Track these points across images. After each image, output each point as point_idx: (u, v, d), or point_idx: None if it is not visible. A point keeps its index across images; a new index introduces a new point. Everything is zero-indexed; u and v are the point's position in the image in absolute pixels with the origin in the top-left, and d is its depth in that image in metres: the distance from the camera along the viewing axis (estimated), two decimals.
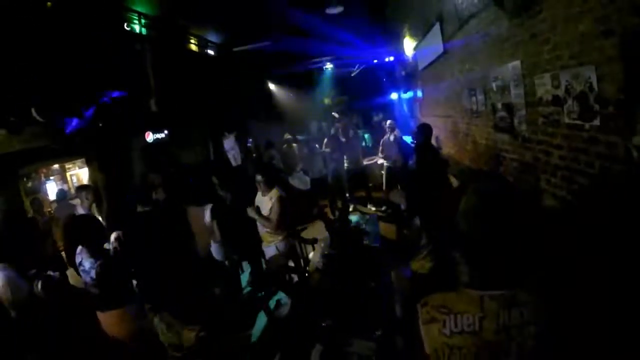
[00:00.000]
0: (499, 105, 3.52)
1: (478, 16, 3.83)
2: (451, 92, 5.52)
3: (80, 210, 4.70)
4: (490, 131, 3.88)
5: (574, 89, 2.18)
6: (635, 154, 1.62)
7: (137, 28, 7.93)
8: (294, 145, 9.00)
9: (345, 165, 7.40)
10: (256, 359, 3.23)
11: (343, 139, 7.44)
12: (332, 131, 7.97)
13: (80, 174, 11.40)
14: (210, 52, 10.73)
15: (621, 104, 1.73)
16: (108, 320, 2.89)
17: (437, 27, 5.54)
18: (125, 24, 7.66)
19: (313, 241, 4.51)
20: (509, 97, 3.24)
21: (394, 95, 12.27)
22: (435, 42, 5.84)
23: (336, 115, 9.95)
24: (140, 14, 7.86)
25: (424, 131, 4.72)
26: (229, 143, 8.27)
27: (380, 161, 8.16)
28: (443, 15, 5.25)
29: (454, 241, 1.13)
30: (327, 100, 14.36)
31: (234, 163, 8.29)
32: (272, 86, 12.37)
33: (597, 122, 1.98)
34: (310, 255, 4.64)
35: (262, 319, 3.56)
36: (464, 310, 1.00)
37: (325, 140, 7.88)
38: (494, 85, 3.60)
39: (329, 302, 2.74)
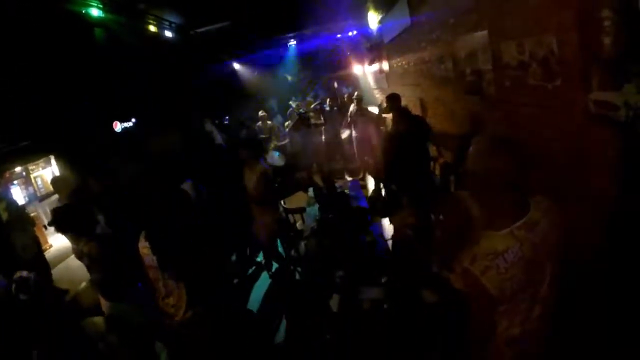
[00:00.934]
0: (468, 71, 3.89)
1: None
2: (419, 62, 5.86)
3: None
4: (460, 95, 4.26)
5: (537, 54, 2.54)
6: (592, 107, 2.00)
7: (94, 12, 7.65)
8: (269, 122, 9.21)
9: (323, 138, 7.72)
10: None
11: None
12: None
13: (44, 175, 11.04)
14: (170, 34, 10.50)
15: (579, 65, 2.10)
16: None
17: (404, 0, 5.81)
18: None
19: (301, 210, 4.82)
20: (477, 63, 3.61)
21: (358, 69, 12.56)
22: (402, 15, 6.12)
23: (312, 99, 10.17)
24: None
25: (394, 100, 5.05)
26: (207, 127, 8.33)
27: (347, 133, 8.57)
28: None
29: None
30: (290, 78, 14.44)
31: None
32: (237, 66, 12.30)
33: (558, 82, 2.36)
34: (298, 224, 4.96)
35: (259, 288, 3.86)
36: (505, 248, 1.32)
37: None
38: (462, 53, 3.96)
39: (331, 260, 3.07)
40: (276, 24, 11.53)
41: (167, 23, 10.03)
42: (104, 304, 3.11)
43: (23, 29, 5.91)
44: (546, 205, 1.45)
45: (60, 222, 2.98)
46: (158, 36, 9.68)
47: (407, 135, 4.11)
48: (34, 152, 7.97)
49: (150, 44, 9.33)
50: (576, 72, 2.14)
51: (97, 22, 7.29)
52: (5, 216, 6.09)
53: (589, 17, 1.92)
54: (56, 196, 9.90)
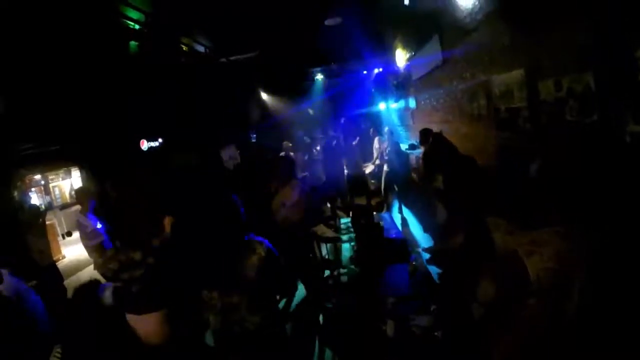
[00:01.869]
0: (503, 108, 4.14)
1: (480, 30, 4.48)
2: (449, 99, 6.17)
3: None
4: (492, 131, 4.50)
5: (575, 91, 2.78)
6: (628, 139, 2.21)
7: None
8: (291, 153, 9.56)
9: (345, 170, 7.98)
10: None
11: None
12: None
13: (62, 185, 11.52)
14: (200, 59, 11.14)
15: (615, 101, 2.33)
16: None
17: (436, 39, 6.20)
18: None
19: (336, 240, 4.99)
20: (513, 100, 3.86)
21: (381, 105, 12.99)
22: (433, 53, 6.50)
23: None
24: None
25: (428, 134, 5.32)
26: (229, 152, 8.68)
27: (370, 169, 8.90)
28: (442, 28, 5.91)
29: None
30: (312, 111, 14.99)
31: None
32: (264, 95, 12.87)
33: (595, 117, 2.58)
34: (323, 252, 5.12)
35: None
36: (549, 240, 1.52)
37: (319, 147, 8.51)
38: (497, 90, 4.23)
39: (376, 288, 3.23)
40: (303, 56, 12.17)
41: (200, 47, 10.70)
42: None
43: (71, 39, 6.40)
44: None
45: None
46: (190, 59, 10.31)
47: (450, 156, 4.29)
48: (61, 160, 8.31)
49: (182, 66, 9.93)
50: (613, 108, 2.36)
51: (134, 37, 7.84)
52: (24, 219, 6.27)
53: (626, 56, 2.17)
54: (73, 208, 10.29)
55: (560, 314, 1.56)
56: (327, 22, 8.97)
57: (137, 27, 7.77)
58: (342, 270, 4.09)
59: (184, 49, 10.31)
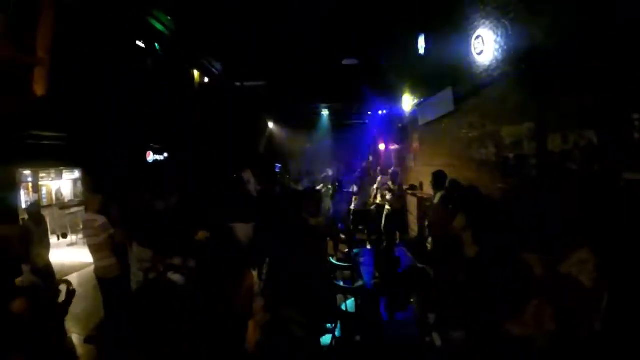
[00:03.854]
0: (511, 156, 4.84)
1: (495, 85, 5.26)
2: (457, 145, 6.90)
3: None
4: (499, 178, 5.17)
5: (579, 144, 3.47)
6: (623, 184, 2.86)
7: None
8: (291, 184, 10.18)
9: (353, 206, 8.62)
10: None
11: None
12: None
13: (51, 185, 11.72)
14: (210, 81, 11.86)
15: (614, 153, 3.01)
16: None
17: (449, 89, 7.01)
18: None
19: (351, 267, 5.49)
20: (522, 149, 4.56)
21: (383, 146, 13.85)
22: (444, 101, 7.30)
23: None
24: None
25: (441, 176, 5.99)
26: (246, 175, 9.10)
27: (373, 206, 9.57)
28: (456, 79, 6.72)
29: None
30: (310, 145, 15.77)
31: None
32: (270, 124, 13.58)
33: (596, 166, 3.25)
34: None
35: None
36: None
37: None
38: (507, 140, 4.94)
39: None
40: (310, 91, 13.05)
41: (212, 71, 11.44)
42: None
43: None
44: None
45: None
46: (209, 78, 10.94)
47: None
48: (60, 157, 8.35)
49: (195, 87, 10.58)
50: (611, 158, 3.04)
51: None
52: (26, 220, 6.41)
53: (623, 117, 2.86)
54: (74, 209, 10.45)
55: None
56: (344, 62, 9.83)
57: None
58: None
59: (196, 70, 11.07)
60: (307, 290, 2.57)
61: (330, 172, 11.44)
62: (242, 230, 4.60)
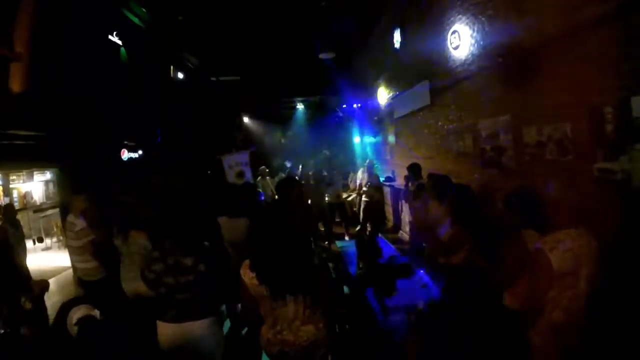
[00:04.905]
0: (488, 147, 5.07)
1: (472, 79, 5.47)
2: (435, 138, 7.13)
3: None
4: (478, 168, 5.41)
5: (554, 136, 3.70)
6: (597, 173, 3.09)
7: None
8: (268, 178, 10.26)
9: (327, 198, 8.75)
10: None
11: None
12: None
13: (21, 188, 11.35)
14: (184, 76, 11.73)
15: (587, 144, 3.24)
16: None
17: (425, 82, 7.21)
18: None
19: (338, 258, 5.65)
20: (499, 141, 4.79)
21: (359, 139, 14.06)
22: (420, 95, 7.51)
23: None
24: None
25: (418, 168, 6.22)
26: (242, 157, 8.95)
27: (352, 196, 9.78)
28: (433, 73, 6.92)
29: None
30: (283, 140, 15.84)
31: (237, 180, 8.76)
32: (245, 118, 13.55)
33: (570, 157, 3.49)
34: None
35: None
36: (564, 239, 2.24)
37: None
38: (484, 132, 5.17)
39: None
40: (283, 86, 13.09)
41: (188, 66, 11.29)
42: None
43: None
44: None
45: None
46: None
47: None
48: (34, 157, 8.02)
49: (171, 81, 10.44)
50: (585, 149, 3.27)
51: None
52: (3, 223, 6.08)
53: (596, 111, 3.09)
54: (49, 211, 10.14)
55: (575, 297, 2.26)
56: (320, 56, 9.91)
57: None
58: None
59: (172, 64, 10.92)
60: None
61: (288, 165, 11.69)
62: (231, 225, 4.60)
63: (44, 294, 3.95)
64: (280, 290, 2.44)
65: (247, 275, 2.51)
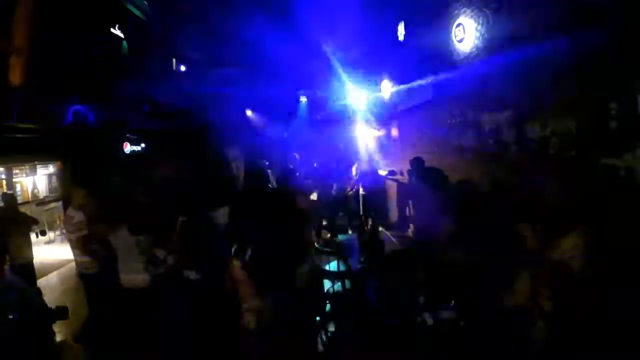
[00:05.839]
0: (491, 142, 5.06)
1: (475, 73, 5.45)
2: (438, 132, 7.11)
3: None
4: (479, 162, 5.40)
5: (557, 132, 3.69)
6: (599, 169, 3.09)
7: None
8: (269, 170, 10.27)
9: (334, 191, 8.77)
10: None
11: None
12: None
13: (24, 182, 11.44)
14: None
15: (590, 140, 3.23)
16: None
17: (430, 76, 7.17)
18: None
19: (337, 253, 5.66)
20: (501, 136, 4.78)
21: (361, 132, 14.01)
22: (425, 89, 7.47)
23: None
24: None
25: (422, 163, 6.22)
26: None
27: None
28: (438, 67, 6.87)
29: None
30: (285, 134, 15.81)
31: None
32: (249, 112, 13.55)
33: (573, 152, 3.48)
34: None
35: None
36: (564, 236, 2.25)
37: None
38: (486, 127, 5.16)
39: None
40: (284, 78, 13.02)
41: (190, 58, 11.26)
42: None
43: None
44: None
45: None
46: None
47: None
48: (39, 151, 8.05)
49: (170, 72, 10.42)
50: (588, 145, 3.26)
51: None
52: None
53: (601, 108, 3.08)
54: (52, 204, 10.21)
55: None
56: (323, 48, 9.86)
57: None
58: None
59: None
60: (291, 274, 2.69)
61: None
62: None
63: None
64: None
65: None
